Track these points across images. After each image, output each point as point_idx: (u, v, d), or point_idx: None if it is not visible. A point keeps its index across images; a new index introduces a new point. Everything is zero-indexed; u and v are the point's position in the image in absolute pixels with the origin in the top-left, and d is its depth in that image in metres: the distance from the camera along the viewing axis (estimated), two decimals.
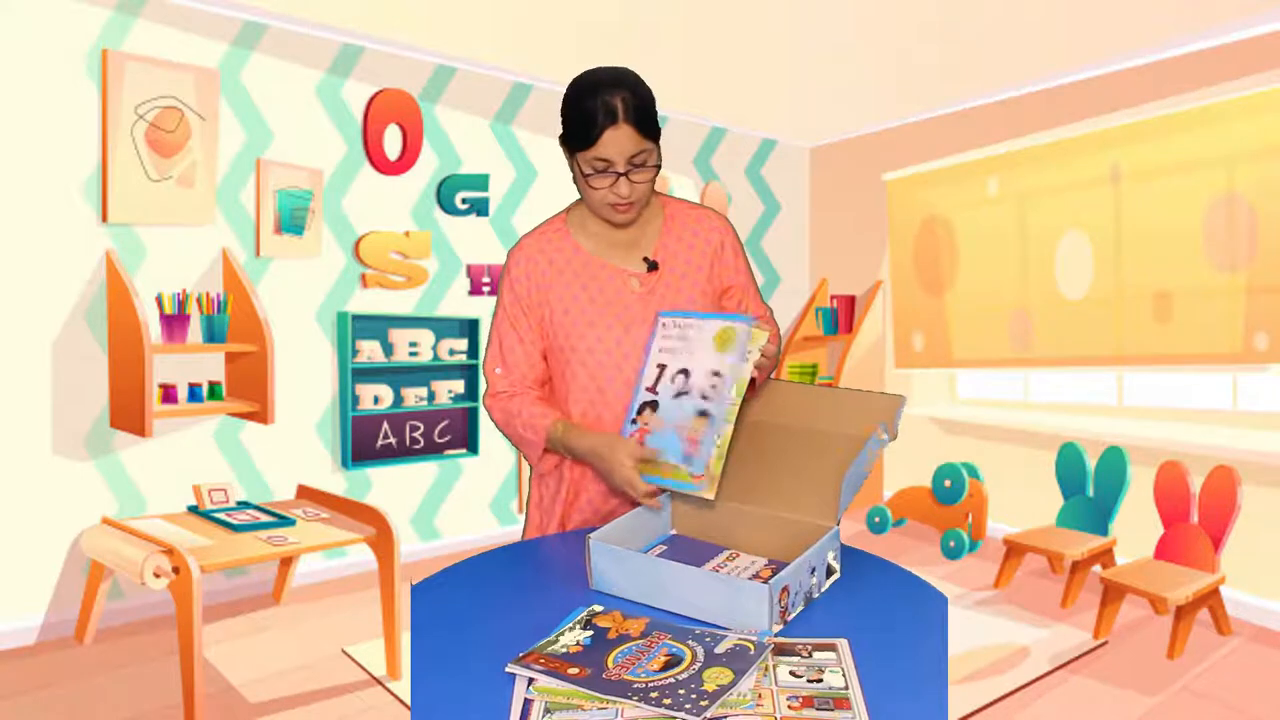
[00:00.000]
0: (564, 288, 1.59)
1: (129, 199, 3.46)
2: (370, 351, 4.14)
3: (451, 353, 4.43)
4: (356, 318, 4.11)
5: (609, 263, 1.61)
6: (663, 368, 1.44)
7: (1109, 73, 4.32)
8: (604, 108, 1.44)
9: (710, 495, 1.38)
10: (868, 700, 0.96)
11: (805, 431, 1.53)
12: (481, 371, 1.72)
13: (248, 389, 3.63)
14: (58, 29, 3.31)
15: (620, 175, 1.49)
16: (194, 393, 3.54)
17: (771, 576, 1.18)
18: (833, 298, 5.66)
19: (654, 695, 0.96)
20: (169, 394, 3.45)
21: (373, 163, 4.16)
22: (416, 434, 4.38)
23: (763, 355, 1.45)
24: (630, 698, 0.96)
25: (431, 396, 4.40)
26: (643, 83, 1.51)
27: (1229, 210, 3.80)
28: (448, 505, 4.53)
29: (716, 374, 1.38)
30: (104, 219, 3.44)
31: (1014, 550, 3.99)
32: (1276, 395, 3.97)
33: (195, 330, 3.61)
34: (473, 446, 4.57)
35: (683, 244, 1.65)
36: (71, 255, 3.38)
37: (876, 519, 4.95)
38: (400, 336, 4.24)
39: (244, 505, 3.36)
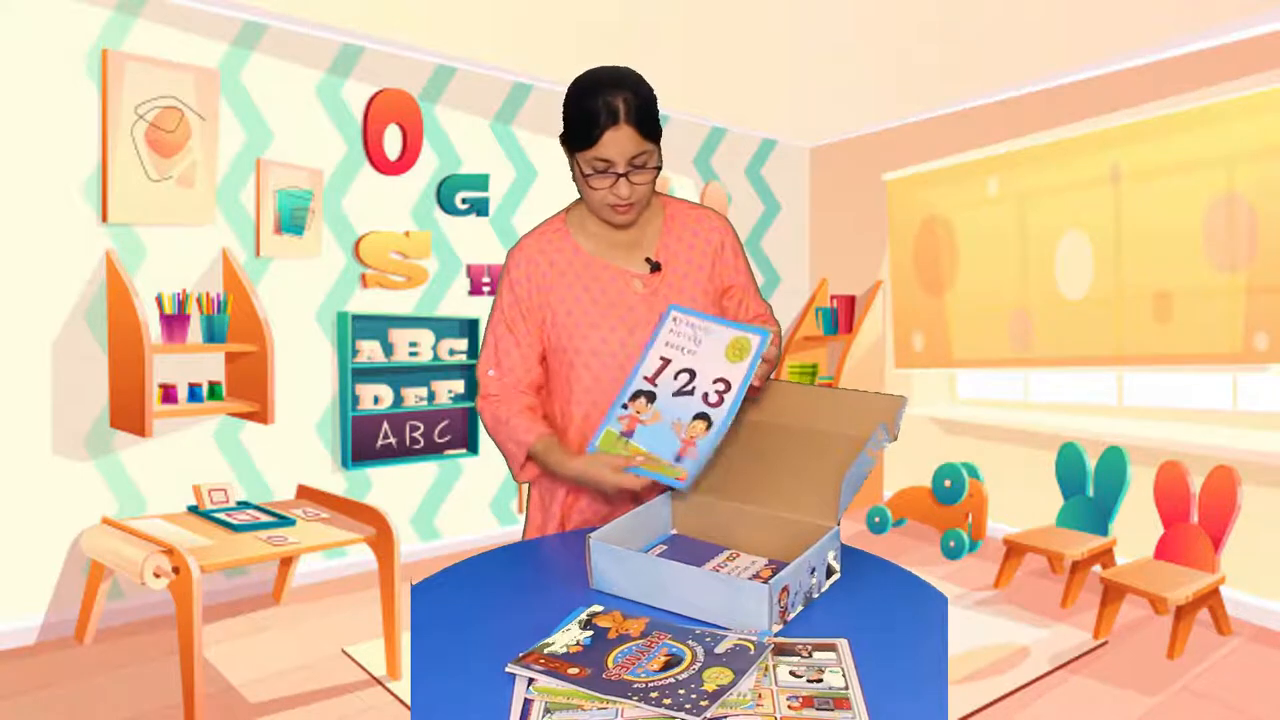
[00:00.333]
0: (566, 289, 1.58)
1: (129, 199, 3.46)
2: (370, 351, 4.15)
3: (451, 353, 4.43)
4: (356, 318, 4.11)
5: (611, 264, 1.60)
6: (666, 361, 1.43)
7: (1109, 73, 4.32)
8: (605, 108, 1.44)
9: (685, 490, 1.38)
10: (868, 700, 0.96)
11: (805, 431, 1.53)
12: (476, 373, 1.69)
13: (248, 389, 3.63)
14: (58, 29, 3.31)
15: (620, 176, 1.48)
16: (194, 393, 3.54)
17: (771, 576, 1.18)
18: (833, 298, 5.66)
19: (654, 695, 0.96)
20: (169, 394, 3.45)
21: (373, 163, 4.16)
22: (416, 434, 4.38)
23: (763, 360, 1.45)
24: (630, 698, 0.96)
25: (431, 396, 4.40)
26: (644, 83, 1.50)
27: (1229, 210, 3.80)
28: (448, 505, 4.53)
29: (724, 382, 1.38)
30: (104, 219, 3.44)
31: (1014, 550, 3.99)
32: (1276, 395, 3.97)
33: (195, 330, 3.61)
34: (473, 446, 4.57)
35: (683, 244, 1.64)
36: (71, 255, 3.38)
37: (876, 519, 4.95)
38: (400, 336, 4.24)
39: (244, 505, 3.36)
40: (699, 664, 1.02)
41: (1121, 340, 4.23)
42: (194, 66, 3.60)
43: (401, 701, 2.89)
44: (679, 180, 5.34)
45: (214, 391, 3.61)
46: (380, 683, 3.02)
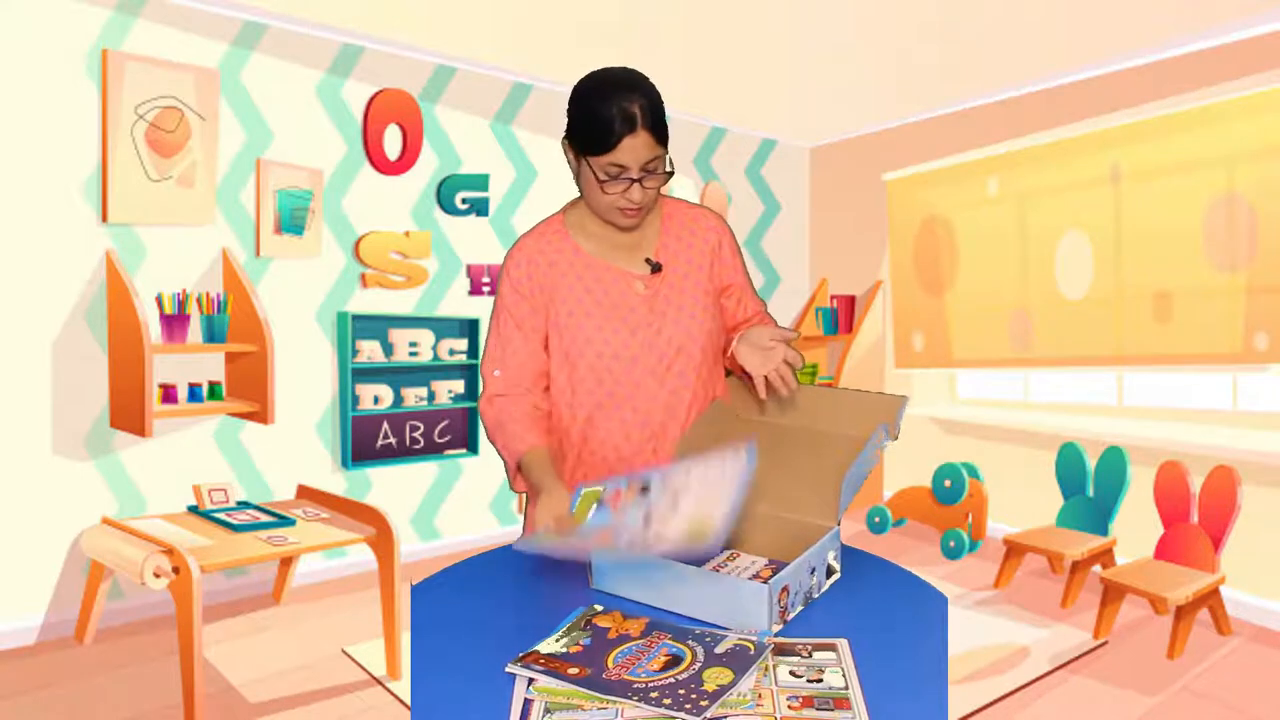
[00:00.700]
0: (568, 290, 1.58)
1: (129, 199, 3.46)
2: (370, 351, 4.14)
3: (451, 353, 4.43)
4: (356, 318, 4.11)
5: (612, 265, 1.59)
6: (680, 490, 1.28)
7: (1109, 73, 4.32)
8: (621, 114, 1.42)
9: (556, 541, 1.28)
10: (868, 700, 0.96)
11: (806, 431, 1.54)
12: (479, 374, 1.67)
13: (248, 389, 3.63)
14: (58, 29, 3.31)
15: (634, 182, 1.47)
16: (194, 393, 3.54)
17: (772, 576, 1.18)
18: (833, 298, 5.66)
19: (654, 695, 0.96)
20: (169, 394, 3.45)
21: (373, 163, 4.16)
22: (416, 434, 4.38)
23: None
24: (630, 698, 0.96)
25: (431, 396, 4.40)
26: (654, 86, 1.49)
27: (1229, 210, 3.80)
28: (448, 505, 4.53)
29: (664, 541, 1.23)
30: (104, 219, 3.43)
31: (1014, 550, 3.99)
32: (1276, 395, 3.97)
33: (195, 330, 3.61)
34: (473, 446, 4.57)
35: (682, 244, 1.64)
36: (71, 255, 3.38)
37: (876, 519, 4.95)
38: (400, 336, 4.24)
39: (244, 505, 3.36)
40: (699, 664, 1.02)
41: (1121, 340, 4.23)
42: (194, 66, 3.60)
43: (401, 701, 2.89)
44: (679, 180, 5.34)
45: (214, 391, 3.61)
46: (380, 683, 3.02)
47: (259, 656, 3.22)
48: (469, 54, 4.30)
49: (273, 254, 3.88)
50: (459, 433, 4.54)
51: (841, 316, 5.59)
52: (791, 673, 1.02)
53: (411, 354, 4.26)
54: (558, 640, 1.09)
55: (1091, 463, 4.03)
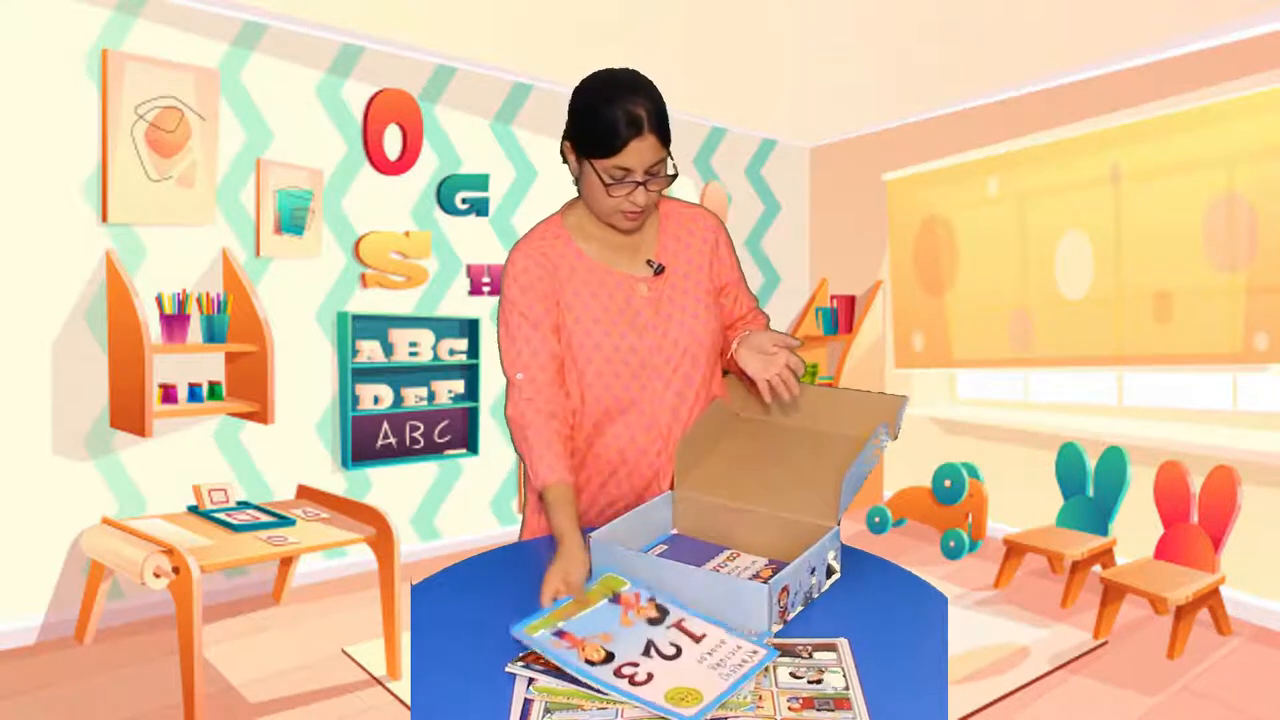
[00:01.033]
0: (573, 296, 1.56)
1: (129, 199, 3.46)
2: (370, 351, 4.14)
3: (451, 353, 4.42)
4: (356, 318, 4.11)
5: (615, 269, 1.58)
6: (696, 635, 1.13)
7: (1109, 73, 4.32)
8: (627, 117, 1.41)
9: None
10: (868, 700, 0.96)
11: (806, 431, 1.54)
12: (502, 374, 1.62)
13: (248, 389, 3.63)
14: (58, 29, 3.31)
15: (639, 185, 1.47)
16: (194, 393, 3.54)
17: (772, 576, 1.18)
18: (833, 298, 5.66)
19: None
20: (169, 394, 3.45)
21: (373, 163, 4.16)
22: (416, 434, 4.38)
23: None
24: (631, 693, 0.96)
25: (431, 396, 4.40)
26: (657, 88, 1.48)
27: (1229, 210, 3.80)
28: (448, 505, 4.53)
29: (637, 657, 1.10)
30: (104, 219, 3.43)
31: (1014, 550, 3.99)
32: (1276, 395, 3.97)
33: (195, 330, 3.61)
34: (473, 446, 4.57)
35: (681, 244, 1.64)
36: (71, 255, 3.38)
37: (876, 519, 4.95)
38: (400, 336, 4.24)
39: (244, 505, 3.36)
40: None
41: (1121, 340, 4.23)
42: (194, 66, 3.60)
43: (401, 701, 2.89)
44: (679, 180, 5.34)
45: (214, 391, 3.61)
46: (380, 683, 3.02)
47: (259, 656, 3.22)
48: (469, 54, 4.30)
49: (273, 254, 3.88)
50: (459, 433, 4.54)
51: (841, 316, 5.59)
52: (791, 674, 1.02)
53: (411, 354, 4.26)
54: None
55: (1091, 463, 4.03)
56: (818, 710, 0.94)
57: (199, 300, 3.55)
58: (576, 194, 1.62)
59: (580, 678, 0.99)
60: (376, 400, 4.17)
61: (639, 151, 1.43)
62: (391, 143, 4.23)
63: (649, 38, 3.89)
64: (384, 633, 3.08)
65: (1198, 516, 3.46)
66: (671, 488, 1.52)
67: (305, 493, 3.59)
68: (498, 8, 3.65)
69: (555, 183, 4.61)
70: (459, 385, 4.48)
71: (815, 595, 1.25)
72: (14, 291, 3.27)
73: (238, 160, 3.77)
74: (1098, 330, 4.32)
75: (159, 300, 3.48)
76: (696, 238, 1.65)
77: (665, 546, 1.42)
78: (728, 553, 1.40)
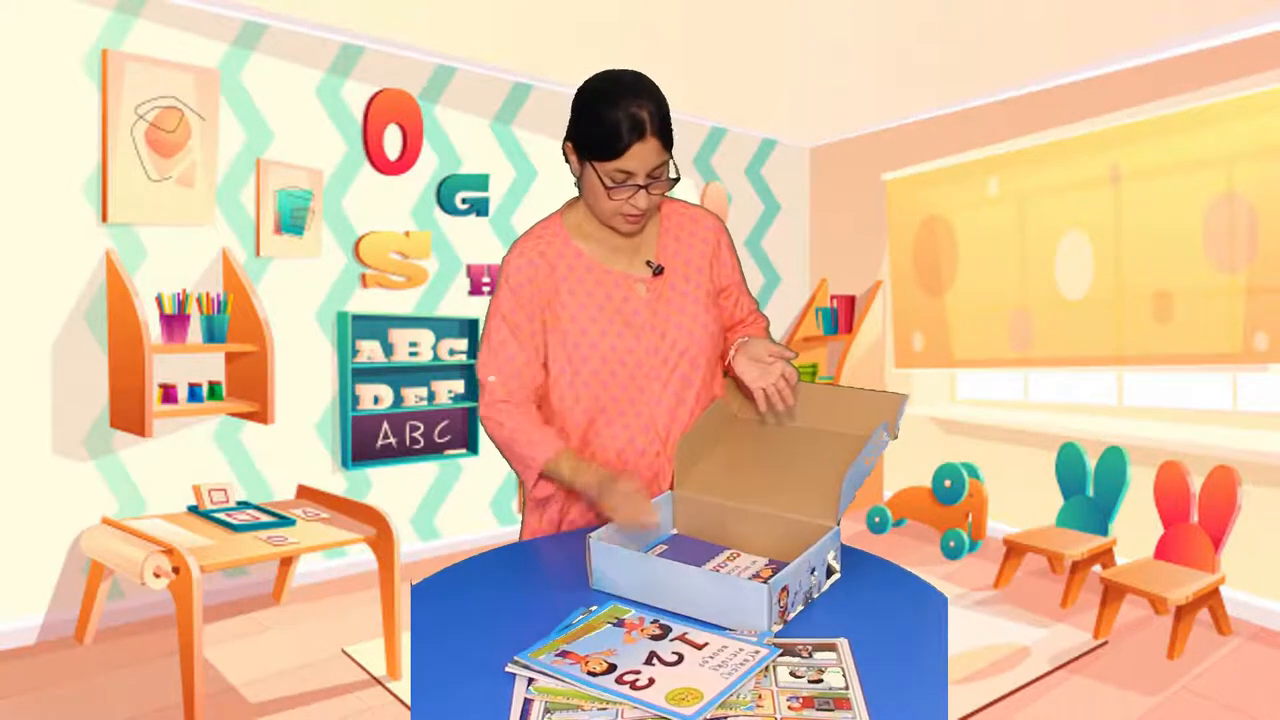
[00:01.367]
0: (569, 295, 1.56)
1: (129, 199, 3.46)
2: (370, 351, 4.14)
3: (451, 353, 4.42)
4: (356, 318, 4.11)
5: (613, 269, 1.58)
6: (697, 644, 1.11)
7: (1109, 73, 4.32)
8: (630, 120, 1.41)
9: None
10: (868, 700, 0.96)
11: (806, 431, 1.53)
12: (477, 374, 1.65)
13: (248, 389, 3.63)
14: (58, 29, 3.31)
15: (640, 188, 1.47)
16: (194, 393, 3.54)
17: (772, 576, 1.18)
18: (833, 298, 5.66)
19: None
20: (169, 394, 3.45)
21: (373, 163, 4.16)
22: (416, 434, 4.38)
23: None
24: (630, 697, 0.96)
25: (431, 396, 4.40)
26: (660, 90, 1.48)
27: (1229, 210, 3.80)
28: (448, 505, 4.53)
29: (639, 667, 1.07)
30: (104, 219, 3.43)
31: (1014, 550, 3.99)
32: (1276, 395, 3.97)
33: (195, 330, 3.61)
34: (473, 446, 4.57)
35: (682, 245, 1.64)
36: (71, 255, 3.38)
37: (876, 519, 4.95)
38: (400, 336, 4.24)
39: (244, 505, 3.36)
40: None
41: (1121, 340, 4.23)
42: (194, 66, 3.60)
43: (401, 701, 2.89)
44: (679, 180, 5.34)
45: (214, 391, 3.61)
46: (380, 683, 3.02)
47: (259, 656, 3.22)
48: (469, 54, 4.30)
49: (273, 254, 3.88)
50: (459, 433, 4.54)
51: (841, 316, 5.59)
52: (791, 673, 1.02)
53: (411, 354, 4.26)
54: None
55: (1091, 463, 4.03)
56: (818, 710, 0.94)
57: (199, 300, 3.55)
58: (577, 194, 1.62)
59: (583, 688, 0.99)
60: (376, 400, 4.17)
61: (641, 155, 1.43)
62: (391, 143, 4.23)
63: (649, 38, 3.89)
64: (384, 633, 3.08)
65: (1198, 516, 3.46)
66: (671, 488, 1.52)
67: (305, 493, 3.59)
68: (498, 8, 3.65)
69: (555, 183, 4.62)
70: (459, 385, 4.48)
71: (815, 595, 1.25)
72: (14, 291, 3.27)
73: (238, 160, 3.77)
74: (1098, 330, 4.32)
75: (159, 300, 3.48)
76: (697, 239, 1.65)
77: (665, 546, 1.42)
78: (728, 553, 1.40)
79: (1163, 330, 4.05)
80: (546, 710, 0.95)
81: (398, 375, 4.30)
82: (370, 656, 3.19)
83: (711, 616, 1.16)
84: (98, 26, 3.40)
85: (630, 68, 1.51)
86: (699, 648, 1.08)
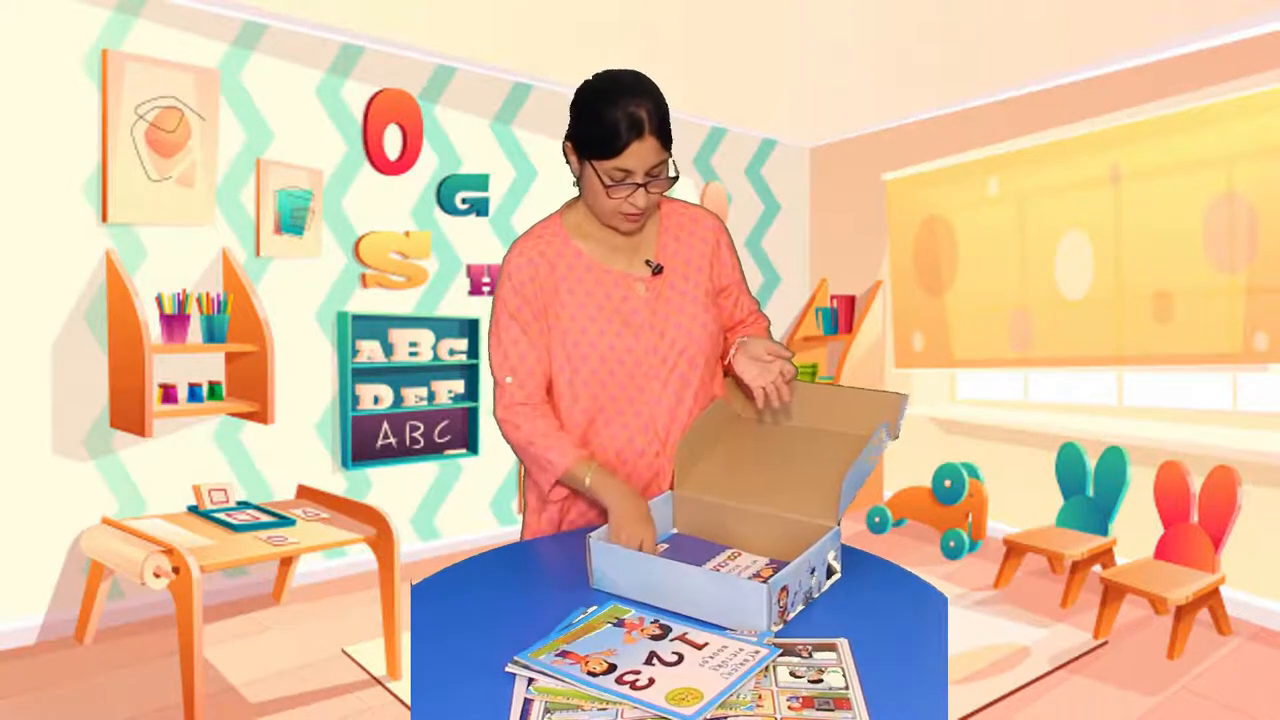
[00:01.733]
0: (568, 294, 1.57)
1: (129, 199, 3.46)
2: (370, 351, 4.14)
3: (451, 353, 4.42)
4: (356, 318, 4.11)
5: (613, 268, 1.59)
6: (697, 644, 1.11)
7: (1109, 73, 4.32)
8: (629, 119, 1.41)
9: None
10: (868, 700, 0.96)
11: (807, 431, 1.54)
12: (489, 375, 1.65)
13: (248, 389, 3.63)
14: (58, 29, 3.31)
15: (639, 186, 1.47)
16: (194, 393, 3.54)
17: (772, 576, 1.18)
18: (833, 298, 5.66)
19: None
20: (169, 394, 3.45)
21: (373, 163, 4.16)
22: (416, 434, 4.38)
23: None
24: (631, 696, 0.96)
25: (431, 396, 4.40)
26: (659, 90, 1.48)
27: (1229, 210, 3.80)
28: (448, 505, 4.53)
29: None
30: (104, 219, 3.43)
31: (1014, 550, 3.99)
32: (1276, 395, 3.97)
33: (195, 330, 3.61)
34: (473, 446, 4.57)
35: (681, 244, 1.64)
36: (71, 255, 3.38)
37: (876, 519, 4.95)
38: (400, 336, 4.24)
39: (244, 505, 3.36)
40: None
41: (1121, 340, 4.23)
42: (194, 66, 3.60)
43: (401, 701, 2.89)
44: (679, 180, 5.33)
45: (214, 391, 3.61)
46: (380, 683, 3.02)
47: (259, 656, 3.22)
48: (469, 54, 4.30)
49: (273, 254, 3.88)
50: (459, 433, 4.54)
51: (841, 316, 5.59)
52: (791, 673, 1.02)
53: (411, 354, 4.26)
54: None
55: (1091, 463, 4.03)
56: (818, 710, 0.94)
57: (199, 300, 3.55)
58: (576, 194, 1.63)
59: (583, 688, 0.99)
60: (376, 400, 4.17)
61: (640, 153, 1.44)
62: (391, 143, 4.23)
63: (649, 38, 3.89)
64: (384, 633, 3.08)
65: (1198, 516, 3.46)
66: (671, 487, 1.52)
67: (305, 493, 3.59)
68: (498, 8, 3.65)
69: (555, 183, 4.62)
70: (459, 385, 4.48)
71: (815, 595, 1.25)
72: (14, 291, 3.27)
73: (238, 160, 3.77)
74: (1098, 330, 4.32)
75: (159, 300, 3.48)
76: (697, 238, 1.65)
77: (666, 546, 1.42)
78: (728, 552, 1.40)
79: (1163, 330, 4.05)
80: (546, 710, 0.95)
81: (398, 375, 4.30)
82: (370, 656, 3.19)
83: (711, 616, 1.16)
84: (98, 26, 3.40)
85: (630, 68, 1.51)
86: (699, 648, 1.08)
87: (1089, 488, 4.01)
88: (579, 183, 1.55)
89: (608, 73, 1.49)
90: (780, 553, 1.36)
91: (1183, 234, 3.94)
